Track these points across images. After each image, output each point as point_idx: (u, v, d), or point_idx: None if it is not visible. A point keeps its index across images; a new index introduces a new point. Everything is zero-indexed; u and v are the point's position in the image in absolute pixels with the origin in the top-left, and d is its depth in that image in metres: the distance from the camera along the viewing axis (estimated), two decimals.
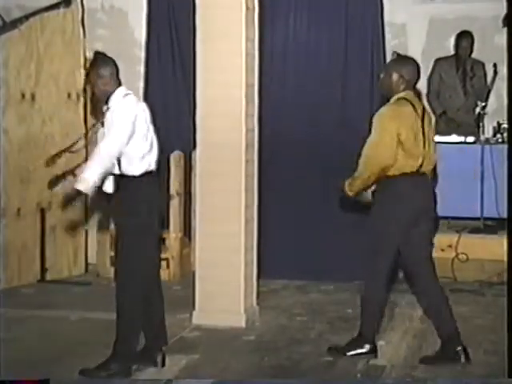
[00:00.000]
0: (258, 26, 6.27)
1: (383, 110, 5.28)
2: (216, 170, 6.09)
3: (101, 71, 5.01)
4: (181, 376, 5.08)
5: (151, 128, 5.12)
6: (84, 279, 7.67)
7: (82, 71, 7.74)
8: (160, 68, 7.91)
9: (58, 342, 5.72)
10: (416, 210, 5.24)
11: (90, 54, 7.83)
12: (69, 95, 7.69)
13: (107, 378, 4.98)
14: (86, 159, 7.75)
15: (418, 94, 5.74)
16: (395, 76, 5.27)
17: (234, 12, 6.05)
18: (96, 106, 6.93)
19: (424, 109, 5.37)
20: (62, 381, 4.95)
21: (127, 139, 4.93)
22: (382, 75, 5.40)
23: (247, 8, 6.09)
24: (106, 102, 5.06)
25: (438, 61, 8.20)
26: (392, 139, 5.14)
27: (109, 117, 5.00)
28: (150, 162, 5.07)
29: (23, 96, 7.34)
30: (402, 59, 5.40)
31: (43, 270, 7.51)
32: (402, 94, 5.26)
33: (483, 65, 8.15)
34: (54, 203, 7.56)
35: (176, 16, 7.72)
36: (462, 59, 8.19)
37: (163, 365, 5.19)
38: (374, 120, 5.25)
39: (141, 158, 5.01)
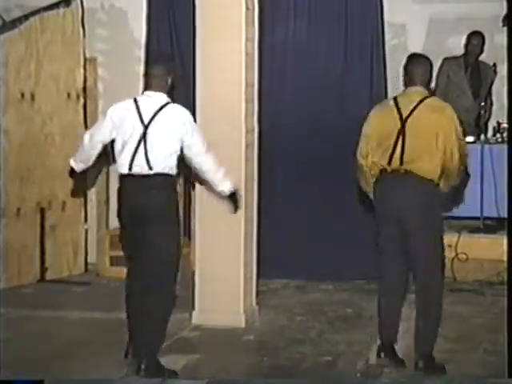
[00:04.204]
0: (257, 25, 6.28)
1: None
2: None
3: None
4: (180, 376, 5.07)
5: None
6: (84, 279, 7.67)
7: (82, 71, 7.77)
8: None
9: (58, 342, 5.71)
10: None
11: (89, 54, 7.94)
12: (69, 95, 7.68)
13: None
14: None
15: None
16: None
17: (234, 12, 6.05)
18: None
19: None
20: (57, 381, 4.94)
21: None
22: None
23: (247, 8, 6.09)
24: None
25: (446, 60, 8.08)
26: None
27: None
28: None
29: (23, 96, 7.33)
30: None
31: (43, 269, 7.50)
32: None
33: (491, 67, 8.00)
34: (53, 203, 7.57)
35: (176, 16, 7.72)
36: (471, 59, 8.12)
37: None
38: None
39: None
